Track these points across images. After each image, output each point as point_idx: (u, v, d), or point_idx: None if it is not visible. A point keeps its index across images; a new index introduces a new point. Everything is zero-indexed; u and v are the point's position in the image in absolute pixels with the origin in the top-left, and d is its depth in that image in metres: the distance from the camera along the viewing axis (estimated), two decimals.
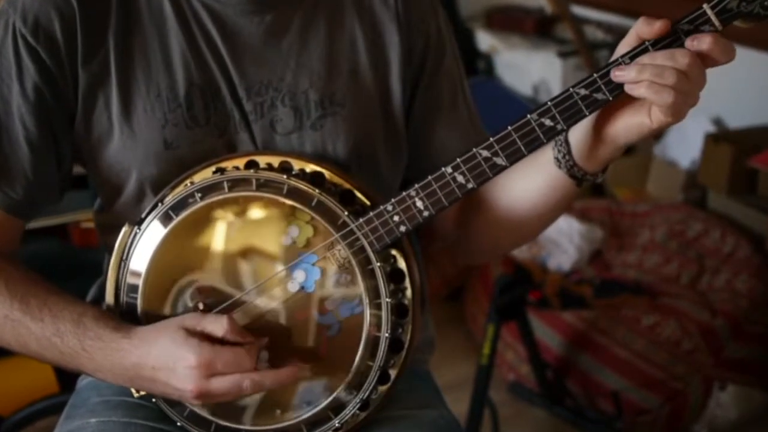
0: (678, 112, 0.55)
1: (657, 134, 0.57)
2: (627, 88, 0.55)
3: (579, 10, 2.30)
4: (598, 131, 0.59)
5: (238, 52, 0.66)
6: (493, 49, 2.43)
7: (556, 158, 0.61)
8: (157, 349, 0.59)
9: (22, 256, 0.67)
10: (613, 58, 0.56)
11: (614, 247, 1.78)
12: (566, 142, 0.61)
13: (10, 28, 0.62)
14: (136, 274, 0.62)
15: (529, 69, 2.29)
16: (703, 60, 0.55)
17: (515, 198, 0.67)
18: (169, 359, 0.58)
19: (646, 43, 0.55)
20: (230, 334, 0.58)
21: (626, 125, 0.57)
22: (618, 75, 0.55)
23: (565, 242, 1.75)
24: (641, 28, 0.55)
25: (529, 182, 0.65)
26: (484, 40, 2.46)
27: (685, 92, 0.54)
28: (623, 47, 0.56)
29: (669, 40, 0.55)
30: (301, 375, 0.60)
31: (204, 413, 0.63)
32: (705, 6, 0.55)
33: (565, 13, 2.27)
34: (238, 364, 0.58)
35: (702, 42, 0.54)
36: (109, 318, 0.61)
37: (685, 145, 1.90)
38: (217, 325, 0.58)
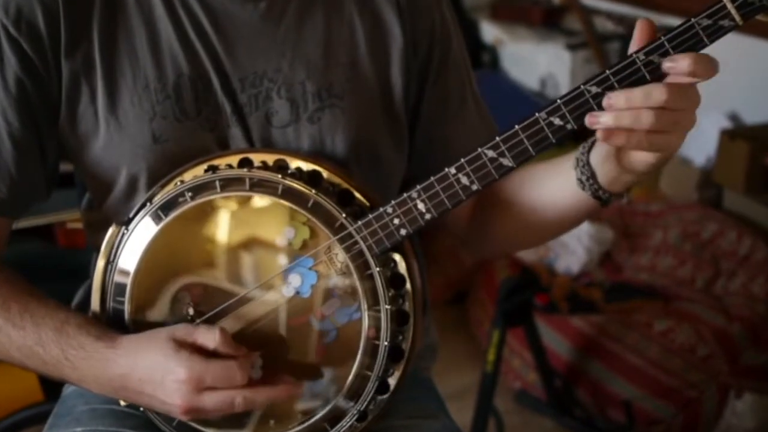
0: (669, 146, 0.53)
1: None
2: (600, 136, 0.54)
3: (588, 0, 2.26)
4: (617, 160, 0.57)
5: (230, 42, 0.64)
6: (498, 42, 2.39)
7: (579, 180, 0.60)
8: (145, 361, 0.57)
9: (3, 259, 0.66)
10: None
11: (625, 249, 1.75)
12: (588, 164, 0.60)
13: None
14: (124, 277, 0.61)
15: (536, 62, 2.26)
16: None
17: (538, 205, 0.65)
18: (157, 372, 0.56)
19: (662, 38, 0.53)
20: (222, 346, 0.57)
21: (638, 156, 0.55)
22: (593, 122, 0.54)
23: (573, 243, 1.72)
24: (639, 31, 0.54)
25: (553, 196, 0.64)
26: (489, 31, 2.42)
27: (672, 123, 0.52)
28: (634, 45, 0.54)
29: (685, 37, 0.53)
30: (296, 392, 0.59)
31: (195, 423, 0.61)
32: None
33: (573, 3, 2.23)
34: (229, 378, 0.56)
35: (680, 64, 0.52)
36: (91, 326, 0.60)
37: (700, 142, 1.86)
38: (209, 337, 0.57)
